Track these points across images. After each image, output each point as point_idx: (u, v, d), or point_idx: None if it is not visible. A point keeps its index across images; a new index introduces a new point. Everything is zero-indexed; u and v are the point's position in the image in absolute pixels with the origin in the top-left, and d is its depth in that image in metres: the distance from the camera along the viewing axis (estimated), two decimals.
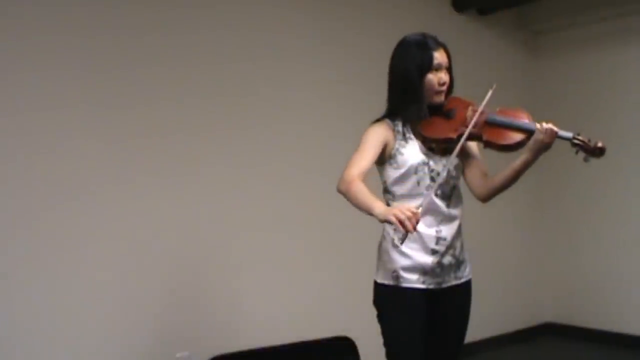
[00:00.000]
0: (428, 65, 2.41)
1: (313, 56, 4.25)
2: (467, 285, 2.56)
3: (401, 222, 2.13)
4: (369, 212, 2.27)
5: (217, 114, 3.84)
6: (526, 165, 2.43)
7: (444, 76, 2.44)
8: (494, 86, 2.44)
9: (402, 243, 2.31)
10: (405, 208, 2.17)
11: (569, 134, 2.39)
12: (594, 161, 2.45)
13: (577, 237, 5.26)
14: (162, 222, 3.63)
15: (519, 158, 2.44)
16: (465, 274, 2.55)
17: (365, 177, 2.39)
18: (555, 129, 2.37)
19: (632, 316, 4.91)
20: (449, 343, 2.56)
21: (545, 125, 2.37)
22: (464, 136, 2.39)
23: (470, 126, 2.40)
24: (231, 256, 3.86)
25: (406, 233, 2.16)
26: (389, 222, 2.18)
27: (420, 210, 2.19)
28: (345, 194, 2.36)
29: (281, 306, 4.01)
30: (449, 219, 2.48)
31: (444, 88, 2.46)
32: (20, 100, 3.25)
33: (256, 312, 3.91)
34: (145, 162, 3.59)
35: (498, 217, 4.95)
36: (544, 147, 2.38)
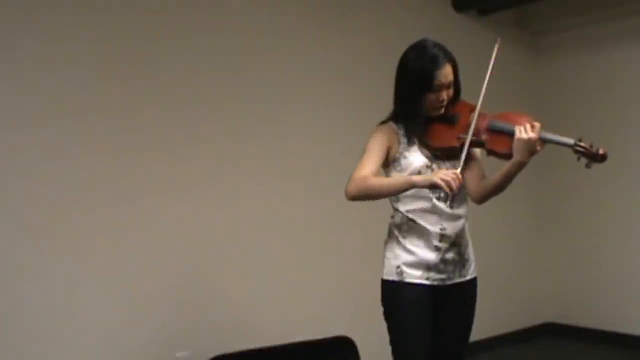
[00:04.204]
0: (428, 86, 2.42)
1: (312, 57, 4.24)
2: (472, 282, 2.57)
3: (447, 183, 2.26)
4: (407, 188, 2.36)
5: (222, 119, 3.84)
6: (515, 168, 2.36)
7: (444, 94, 2.45)
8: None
9: (447, 203, 2.42)
10: (448, 171, 2.31)
11: (571, 140, 2.34)
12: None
13: (578, 237, 5.26)
14: (161, 222, 3.63)
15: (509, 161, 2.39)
16: (470, 271, 2.56)
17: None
18: (535, 135, 2.30)
19: (632, 316, 4.92)
20: (454, 340, 2.57)
21: (529, 131, 2.32)
22: (466, 145, 2.39)
23: (470, 134, 2.41)
24: (231, 257, 3.86)
25: (452, 194, 2.31)
26: (436, 186, 2.29)
27: (459, 170, 2.33)
28: (360, 191, 2.38)
29: (281, 306, 4.01)
30: (453, 217, 2.49)
31: (443, 104, 2.48)
32: (22, 106, 3.25)
33: (256, 312, 3.91)
34: (147, 164, 3.59)
35: (498, 218, 4.94)
36: (528, 149, 2.32)
